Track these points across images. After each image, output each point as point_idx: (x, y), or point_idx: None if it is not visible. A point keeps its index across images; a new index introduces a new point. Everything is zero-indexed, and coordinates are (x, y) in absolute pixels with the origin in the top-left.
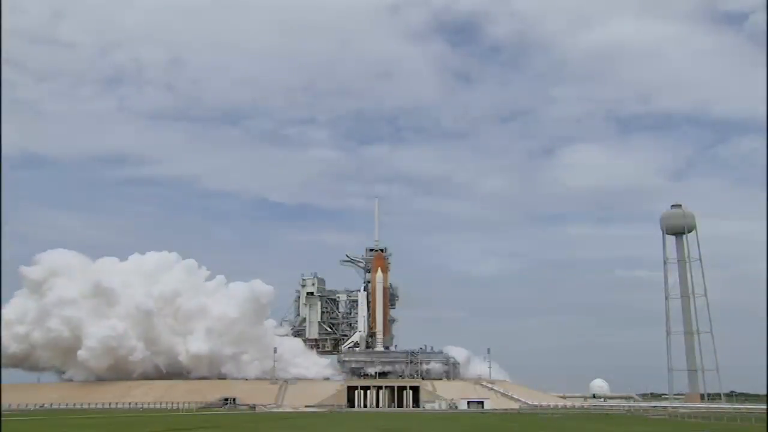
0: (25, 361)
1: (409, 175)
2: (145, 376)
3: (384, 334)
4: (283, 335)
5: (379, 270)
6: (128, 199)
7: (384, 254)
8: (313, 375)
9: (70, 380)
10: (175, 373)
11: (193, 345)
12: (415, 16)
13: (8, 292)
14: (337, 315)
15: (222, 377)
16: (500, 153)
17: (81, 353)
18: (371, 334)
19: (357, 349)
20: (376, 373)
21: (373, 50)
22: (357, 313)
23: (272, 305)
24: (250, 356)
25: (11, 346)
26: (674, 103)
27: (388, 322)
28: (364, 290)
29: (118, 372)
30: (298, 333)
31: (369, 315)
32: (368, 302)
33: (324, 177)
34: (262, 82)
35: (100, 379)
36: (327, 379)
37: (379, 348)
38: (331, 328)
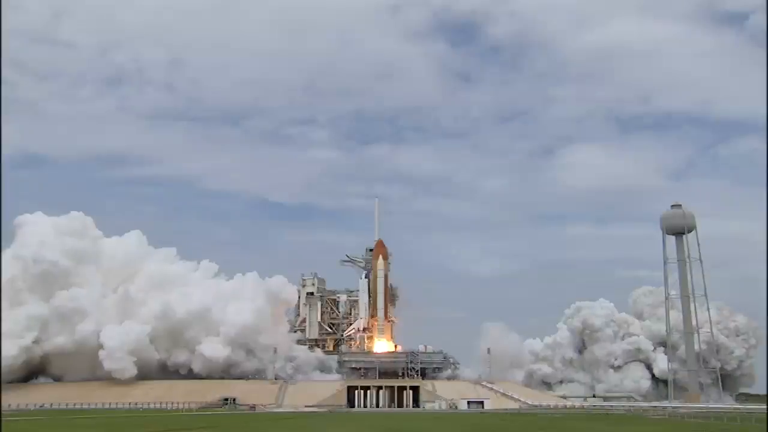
0: (47, 368)
1: (409, 175)
2: (163, 378)
3: (385, 318)
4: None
5: (380, 257)
6: (128, 199)
7: (384, 245)
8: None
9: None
10: (192, 375)
11: (209, 349)
12: (415, 15)
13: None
14: (338, 315)
15: (238, 378)
16: (500, 153)
17: (103, 354)
18: (371, 326)
19: (360, 334)
20: (376, 372)
21: (373, 50)
22: (357, 314)
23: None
24: (264, 360)
25: (35, 350)
26: (674, 103)
27: (389, 307)
28: (365, 278)
29: (139, 375)
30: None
31: (370, 302)
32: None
33: (324, 177)
34: (262, 82)
35: (121, 382)
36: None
37: (381, 336)
38: (331, 328)
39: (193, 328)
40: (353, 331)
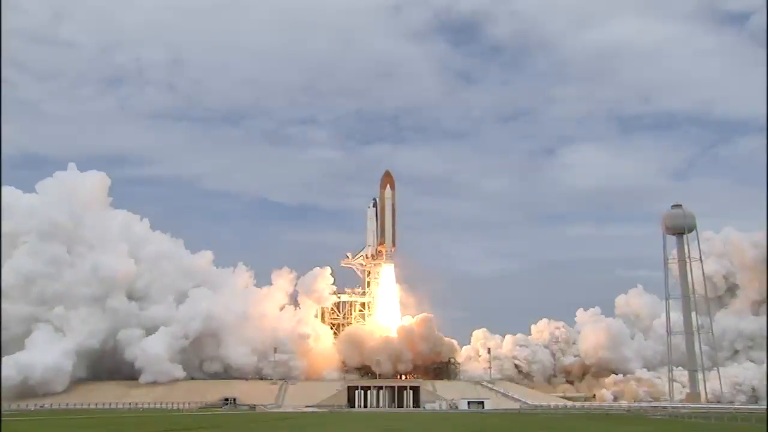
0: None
1: (410, 175)
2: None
3: (392, 246)
4: None
5: (388, 186)
6: (129, 199)
7: (391, 176)
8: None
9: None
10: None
11: (237, 356)
12: (416, 15)
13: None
14: (338, 315)
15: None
16: (501, 153)
17: (143, 360)
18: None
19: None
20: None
21: (374, 50)
22: (357, 314)
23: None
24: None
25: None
26: (675, 102)
27: (395, 237)
28: (373, 206)
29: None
30: None
31: (378, 229)
32: (377, 218)
33: (325, 177)
34: (262, 82)
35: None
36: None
37: (387, 261)
38: (332, 328)
39: (228, 337)
40: (361, 258)
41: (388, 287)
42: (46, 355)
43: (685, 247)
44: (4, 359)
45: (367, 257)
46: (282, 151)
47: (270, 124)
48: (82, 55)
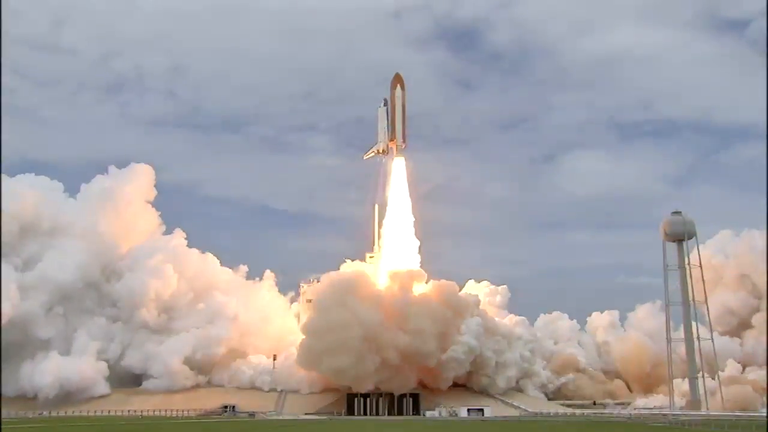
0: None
1: (410, 181)
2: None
3: (403, 142)
4: None
5: (398, 87)
6: None
7: (402, 78)
8: None
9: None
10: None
11: (252, 363)
12: (416, 23)
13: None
14: None
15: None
16: (501, 160)
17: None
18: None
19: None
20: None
21: (374, 57)
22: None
23: None
24: None
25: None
26: (675, 110)
27: (405, 134)
28: (384, 106)
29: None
30: None
31: (389, 125)
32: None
33: (325, 184)
34: (263, 89)
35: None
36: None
37: (400, 154)
38: None
39: (246, 346)
40: (372, 154)
41: (400, 184)
42: (76, 363)
43: (685, 254)
44: (40, 366)
45: (378, 152)
46: (282, 158)
47: (270, 131)
48: (83, 62)
